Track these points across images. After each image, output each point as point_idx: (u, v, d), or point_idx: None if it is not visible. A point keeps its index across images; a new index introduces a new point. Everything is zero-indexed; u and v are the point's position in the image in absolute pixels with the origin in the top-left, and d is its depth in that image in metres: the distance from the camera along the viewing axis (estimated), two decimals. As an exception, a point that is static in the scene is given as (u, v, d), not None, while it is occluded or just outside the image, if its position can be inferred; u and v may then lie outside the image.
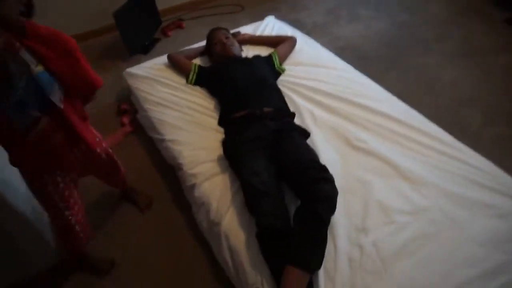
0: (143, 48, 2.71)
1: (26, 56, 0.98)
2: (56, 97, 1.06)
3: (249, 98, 1.63)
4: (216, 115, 1.74)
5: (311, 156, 1.38)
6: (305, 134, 1.56)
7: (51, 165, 1.20)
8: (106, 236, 1.62)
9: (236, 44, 2.00)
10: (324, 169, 1.29)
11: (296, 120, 1.66)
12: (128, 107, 2.17)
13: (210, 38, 2.04)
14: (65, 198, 1.25)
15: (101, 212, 1.72)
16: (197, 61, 2.06)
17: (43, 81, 1.02)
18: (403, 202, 1.33)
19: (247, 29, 2.35)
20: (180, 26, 2.96)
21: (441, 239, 1.20)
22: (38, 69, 1.00)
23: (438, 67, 2.37)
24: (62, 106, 1.08)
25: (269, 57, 1.94)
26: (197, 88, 1.91)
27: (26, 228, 1.41)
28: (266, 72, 1.82)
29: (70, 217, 1.28)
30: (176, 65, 2.01)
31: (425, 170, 1.42)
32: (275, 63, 1.92)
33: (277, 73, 1.92)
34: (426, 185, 1.37)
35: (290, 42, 2.10)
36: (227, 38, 1.98)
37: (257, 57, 1.94)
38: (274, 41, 2.13)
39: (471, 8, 2.87)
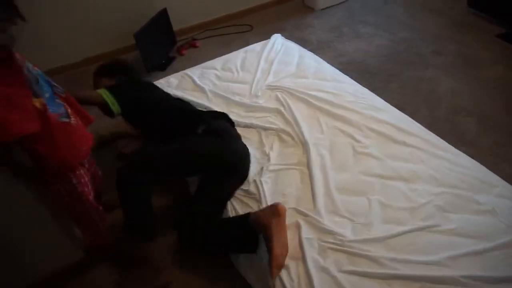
0: (160, 66, 2.93)
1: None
2: None
3: None
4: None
5: None
6: None
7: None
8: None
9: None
10: None
11: (303, 128, 1.83)
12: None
13: None
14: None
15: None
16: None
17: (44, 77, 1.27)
18: (402, 200, 1.48)
19: (255, 48, 2.54)
20: (194, 45, 3.18)
21: (435, 231, 1.35)
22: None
23: (435, 80, 2.54)
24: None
25: None
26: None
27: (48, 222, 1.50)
28: None
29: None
30: None
31: (421, 171, 1.57)
32: None
33: None
34: (422, 185, 1.52)
35: None
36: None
37: None
38: None
39: (466, 25, 3.06)
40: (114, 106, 1.66)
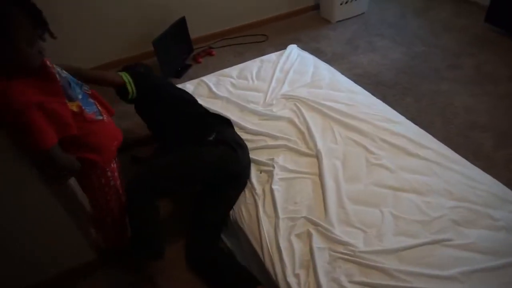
0: (176, 73, 2.98)
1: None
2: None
3: None
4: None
5: None
6: None
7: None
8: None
9: None
10: None
11: (317, 137, 1.84)
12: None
13: None
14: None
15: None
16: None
17: (73, 79, 1.35)
18: (415, 212, 1.47)
19: (271, 57, 2.58)
20: (210, 54, 3.23)
21: (448, 245, 1.33)
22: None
23: (450, 94, 2.52)
24: None
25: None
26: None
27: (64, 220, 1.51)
28: None
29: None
30: None
31: (435, 184, 1.56)
32: None
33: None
34: (435, 198, 1.51)
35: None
36: None
37: None
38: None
39: (482, 40, 3.04)
40: (131, 86, 1.69)
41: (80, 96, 1.31)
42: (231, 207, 1.65)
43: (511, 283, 1.21)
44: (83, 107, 1.28)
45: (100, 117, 1.37)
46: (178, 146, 1.74)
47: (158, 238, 1.52)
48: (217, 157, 1.63)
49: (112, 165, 1.43)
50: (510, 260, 1.26)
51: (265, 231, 1.48)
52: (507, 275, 1.23)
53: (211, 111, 1.98)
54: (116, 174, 1.46)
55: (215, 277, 1.56)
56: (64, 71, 1.30)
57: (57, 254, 1.57)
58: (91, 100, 1.38)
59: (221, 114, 1.98)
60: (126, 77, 1.73)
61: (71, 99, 1.24)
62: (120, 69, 1.97)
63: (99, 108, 1.41)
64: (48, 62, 1.21)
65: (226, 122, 1.91)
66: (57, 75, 1.22)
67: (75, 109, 1.24)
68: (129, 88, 1.71)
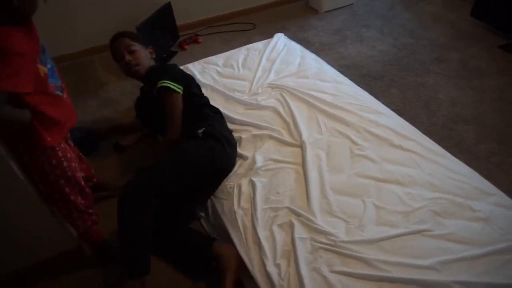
0: (161, 60, 2.91)
1: None
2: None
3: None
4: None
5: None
6: None
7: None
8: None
9: (143, 56, 1.80)
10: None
11: (302, 127, 1.83)
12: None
13: (111, 52, 1.82)
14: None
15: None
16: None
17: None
18: (396, 203, 1.47)
19: (258, 46, 2.54)
20: (196, 41, 3.17)
21: (428, 235, 1.34)
22: None
23: (435, 87, 2.54)
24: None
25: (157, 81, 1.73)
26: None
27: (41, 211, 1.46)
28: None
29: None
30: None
31: (417, 176, 1.56)
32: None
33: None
34: (417, 190, 1.52)
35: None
36: (130, 52, 1.77)
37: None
38: None
39: (469, 34, 3.06)
40: (177, 87, 1.73)
41: (49, 66, 1.28)
42: (207, 198, 1.67)
43: (487, 272, 1.22)
44: (48, 76, 1.25)
45: (60, 94, 1.34)
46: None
47: (148, 253, 1.39)
48: (204, 153, 1.60)
49: (62, 145, 1.37)
50: (487, 250, 1.28)
51: (240, 223, 1.47)
52: (484, 265, 1.25)
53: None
54: (70, 156, 1.41)
55: (173, 250, 1.56)
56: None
57: (32, 242, 1.52)
58: (58, 76, 1.35)
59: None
60: (175, 87, 1.71)
61: (42, 64, 1.22)
62: (129, 34, 1.87)
63: (63, 86, 1.38)
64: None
65: (220, 115, 1.89)
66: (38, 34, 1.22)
67: (42, 74, 1.20)
68: (178, 90, 1.73)
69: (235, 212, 1.52)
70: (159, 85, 1.70)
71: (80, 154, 1.68)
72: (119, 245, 1.38)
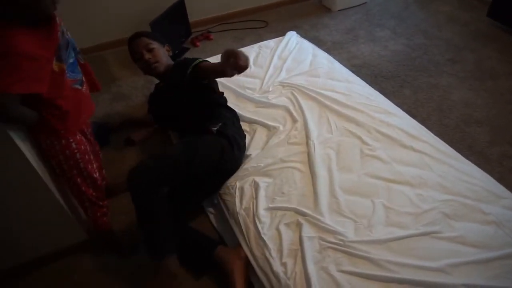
0: (173, 56, 2.93)
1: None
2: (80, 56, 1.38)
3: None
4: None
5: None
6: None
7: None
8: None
9: (161, 53, 1.82)
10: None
11: (312, 126, 1.82)
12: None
13: (130, 52, 1.84)
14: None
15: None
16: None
17: (74, 43, 1.33)
18: (406, 204, 1.46)
19: (270, 44, 2.54)
20: (208, 38, 3.18)
21: (438, 237, 1.33)
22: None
23: (448, 88, 2.50)
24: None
25: (187, 66, 1.70)
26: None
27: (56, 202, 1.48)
28: (183, 93, 1.74)
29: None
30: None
31: (428, 177, 1.55)
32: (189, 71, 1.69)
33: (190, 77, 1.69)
34: (428, 191, 1.50)
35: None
36: (149, 50, 1.79)
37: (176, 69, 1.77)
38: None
39: (484, 35, 3.01)
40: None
41: (71, 60, 1.30)
42: (211, 194, 1.69)
43: (498, 276, 1.21)
44: (66, 71, 1.26)
45: (79, 87, 1.36)
46: (181, 131, 1.73)
47: (169, 232, 1.40)
48: (214, 151, 1.60)
49: (77, 136, 1.39)
50: (498, 254, 1.26)
51: (242, 224, 1.48)
52: (494, 268, 1.23)
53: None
54: (85, 148, 1.42)
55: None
56: (68, 34, 1.29)
57: (45, 233, 1.55)
58: (79, 69, 1.38)
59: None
60: (203, 59, 1.71)
61: (60, 60, 1.23)
62: (146, 34, 1.89)
63: (83, 79, 1.40)
64: (57, 18, 1.22)
65: (236, 117, 1.88)
66: (60, 33, 1.22)
67: (56, 69, 1.21)
68: None
69: (237, 212, 1.52)
70: (194, 64, 1.67)
71: (98, 150, 1.68)
72: (129, 238, 1.40)
